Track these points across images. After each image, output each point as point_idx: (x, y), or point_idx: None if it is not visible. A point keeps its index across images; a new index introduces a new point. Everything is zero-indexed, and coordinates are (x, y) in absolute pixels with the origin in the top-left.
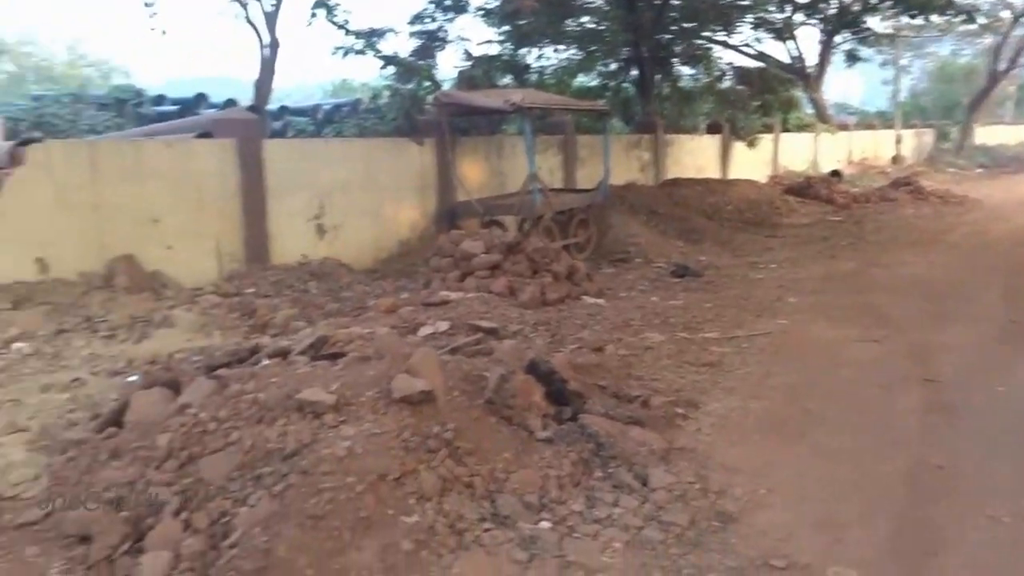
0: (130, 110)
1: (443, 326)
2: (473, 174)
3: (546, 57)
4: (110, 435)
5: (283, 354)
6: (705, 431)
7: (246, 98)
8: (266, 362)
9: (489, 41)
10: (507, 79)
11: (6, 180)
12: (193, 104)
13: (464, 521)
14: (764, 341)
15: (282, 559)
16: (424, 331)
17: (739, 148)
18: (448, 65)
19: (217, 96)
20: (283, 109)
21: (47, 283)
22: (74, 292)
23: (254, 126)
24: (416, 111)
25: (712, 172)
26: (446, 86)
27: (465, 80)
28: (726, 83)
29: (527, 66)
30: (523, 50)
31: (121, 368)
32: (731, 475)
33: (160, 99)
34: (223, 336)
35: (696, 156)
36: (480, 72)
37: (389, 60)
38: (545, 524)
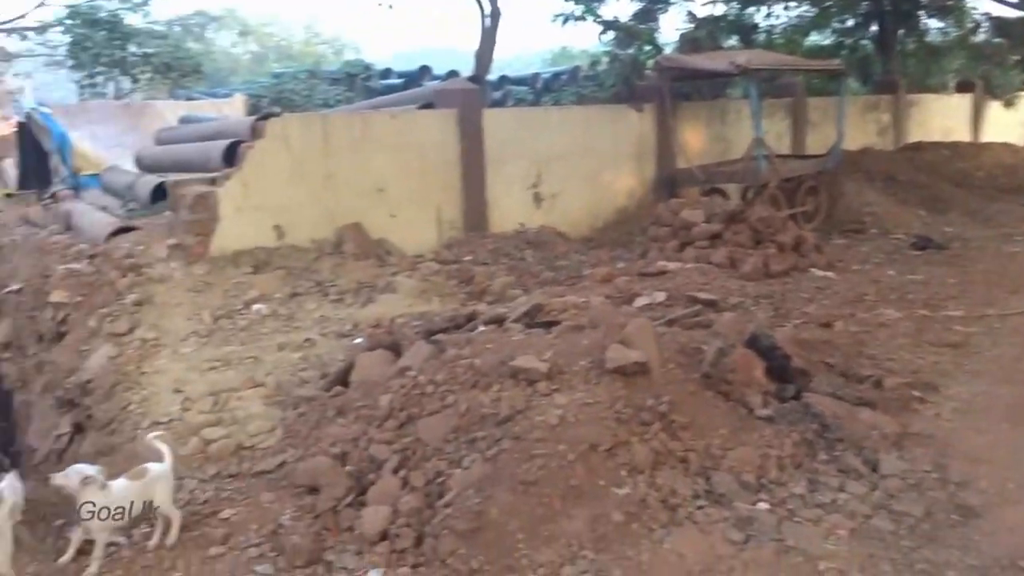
0: (359, 84)
1: (660, 297)
2: (694, 140)
3: (775, 16)
4: (337, 393)
5: (499, 321)
6: (945, 416)
7: (467, 69)
8: (482, 328)
9: (714, 1)
10: (732, 40)
11: (248, 153)
12: (417, 76)
13: (677, 496)
14: (1019, 321)
15: (494, 521)
16: (640, 302)
17: (994, 108)
18: (670, 28)
19: (440, 68)
20: (503, 79)
21: (283, 249)
22: (307, 258)
23: (474, 96)
24: (636, 77)
25: (961, 135)
26: (668, 50)
27: (688, 43)
28: (980, 36)
29: (755, 26)
30: (750, 9)
31: (348, 330)
32: (975, 466)
33: (387, 73)
34: (442, 302)
35: (943, 117)
36: (704, 34)
37: (609, 25)
38: (763, 505)
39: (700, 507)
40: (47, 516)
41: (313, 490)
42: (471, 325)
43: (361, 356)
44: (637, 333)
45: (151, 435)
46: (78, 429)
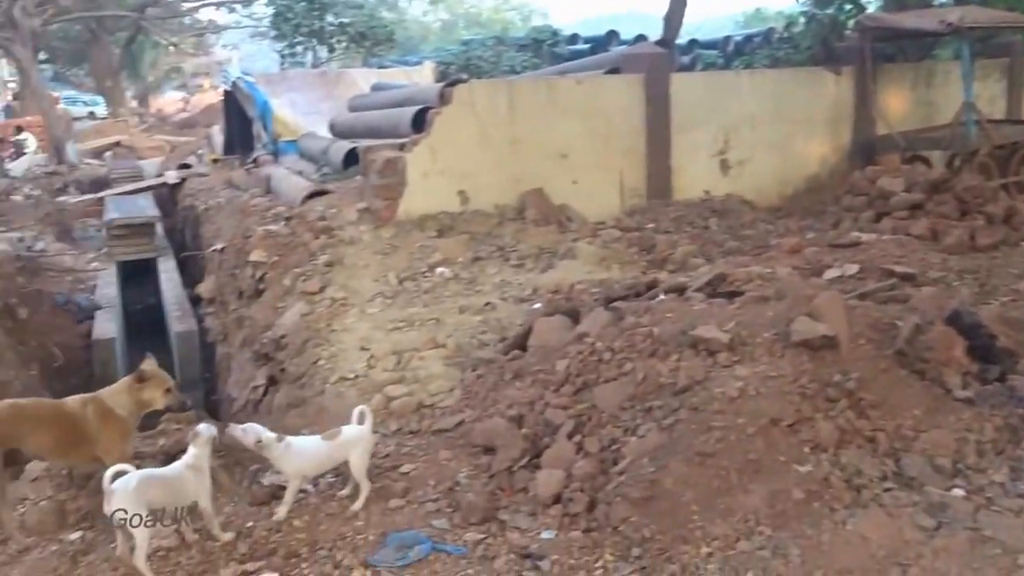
0: (546, 50)
1: (852, 269)
2: (896, 104)
3: None
4: (514, 357)
5: (680, 290)
6: None
7: (656, 33)
8: (662, 297)
9: None
10: None
11: (436, 119)
12: (604, 42)
13: (862, 477)
14: None
15: (668, 491)
16: (830, 274)
17: None
18: None
19: (628, 32)
20: (692, 43)
21: (467, 214)
22: (490, 223)
23: (662, 60)
24: (834, 38)
25: None
26: (871, 9)
27: (894, 1)
28: None
29: None
30: None
31: (527, 295)
32: None
33: (574, 38)
34: (622, 270)
35: None
36: None
37: None
38: (958, 492)
39: (887, 489)
40: (243, 461)
41: (489, 450)
42: (651, 293)
43: (539, 321)
44: (826, 306)
45: (359, 408)
46: (272, 382)
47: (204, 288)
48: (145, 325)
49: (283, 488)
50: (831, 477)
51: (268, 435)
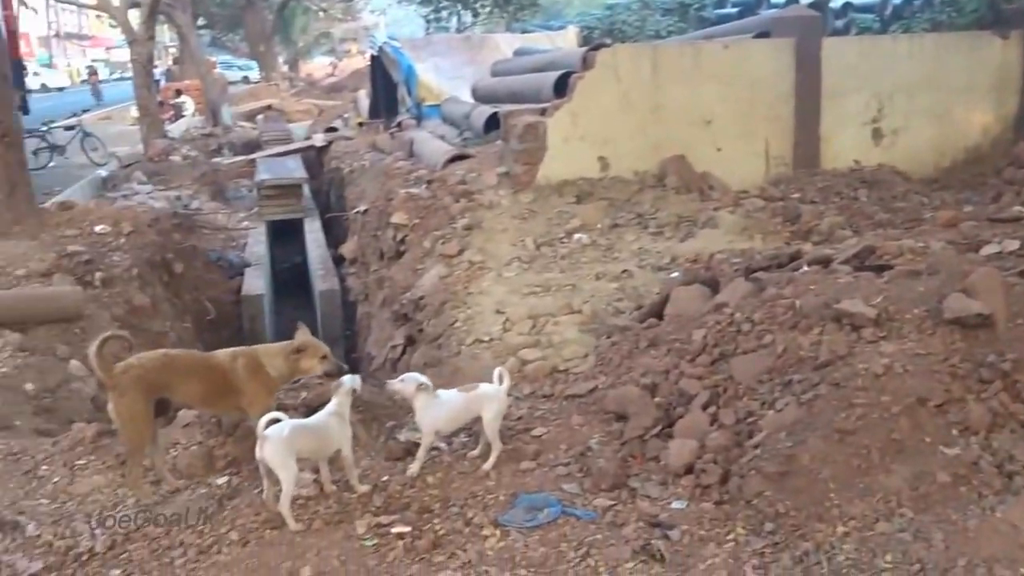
0: (692, 14)
1: (1012, 245)
2: None
3: None
4: (650, 325)
5: (824, 262)
6: None
7: None
8: (806, 269)
9: None
10: None
11: (578, 83)
12: (754, 5)
13: (1015, 463)
14: None
15: (805, 468)
16: (987, 250)
17: None
18: None
19: None
20: (847, 6)
21: (606, 180)
22: (629, 189)
23: (814, 24)
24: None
25: None
26: None
27: None
28: None
29: None
30: None
31: (665, 264)
32: None
33: (722, 2)
34: (764, 240)
35: None
36: None
37: None
38: None
39: None
40: (380, 417)
41: (621, 417)
42: (794, 265)
43: (677, 290)
44: (982, 282)
45: (498, 369)
46: (410, 341)
47: (347, 248)
48: (291, 282)
49: (418, 445)
50: (980, 461)
51: (428, 381)
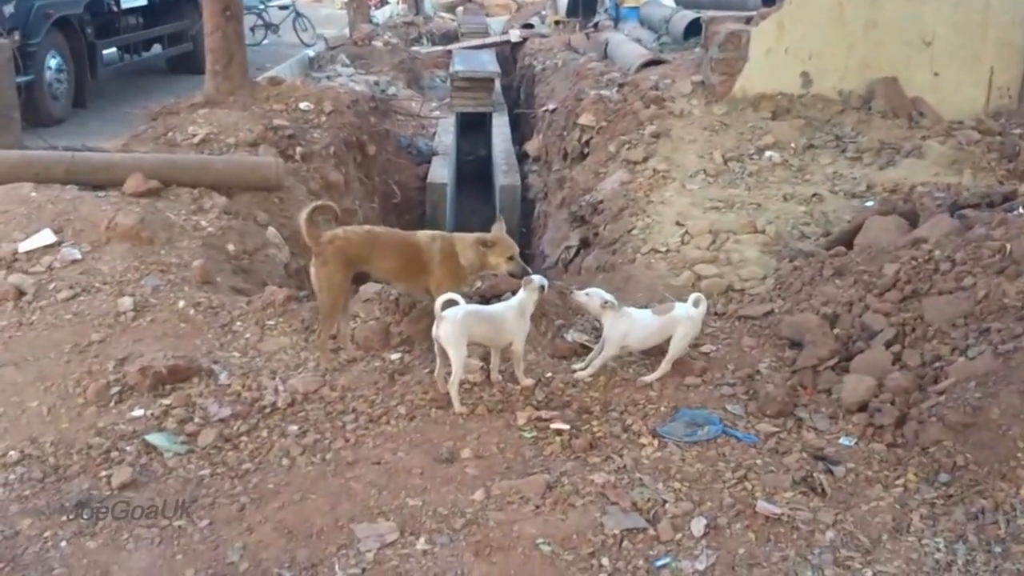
0: None
1: None
2: None
3: None
4: (837, 253)
5: None
6: None
7: None
8: (1021, 211)
9: None
10: None
11: None
12: None
13: None
14: None
15: (992, 421)
16: None
17: None
18: None
19: None
20: None
21: (807, 98)
22: (830, 109)
23: None
24: None
25: None
26: None
27: None
28: None
29: None
30: None
31: (860, 191)
32: None
33: None
34: (974, 176)
35: None
36: None
37: None
38: None
39: None
40: (549, 314)
41: (795, 345)
42: (1008, 205)
43: (871, 219)
44: None
45: (696, 295)
46: (584, 244)
47: (531, 146)
48: (474, 174)
49: (584, 347)
50: None
51: (613, 299)
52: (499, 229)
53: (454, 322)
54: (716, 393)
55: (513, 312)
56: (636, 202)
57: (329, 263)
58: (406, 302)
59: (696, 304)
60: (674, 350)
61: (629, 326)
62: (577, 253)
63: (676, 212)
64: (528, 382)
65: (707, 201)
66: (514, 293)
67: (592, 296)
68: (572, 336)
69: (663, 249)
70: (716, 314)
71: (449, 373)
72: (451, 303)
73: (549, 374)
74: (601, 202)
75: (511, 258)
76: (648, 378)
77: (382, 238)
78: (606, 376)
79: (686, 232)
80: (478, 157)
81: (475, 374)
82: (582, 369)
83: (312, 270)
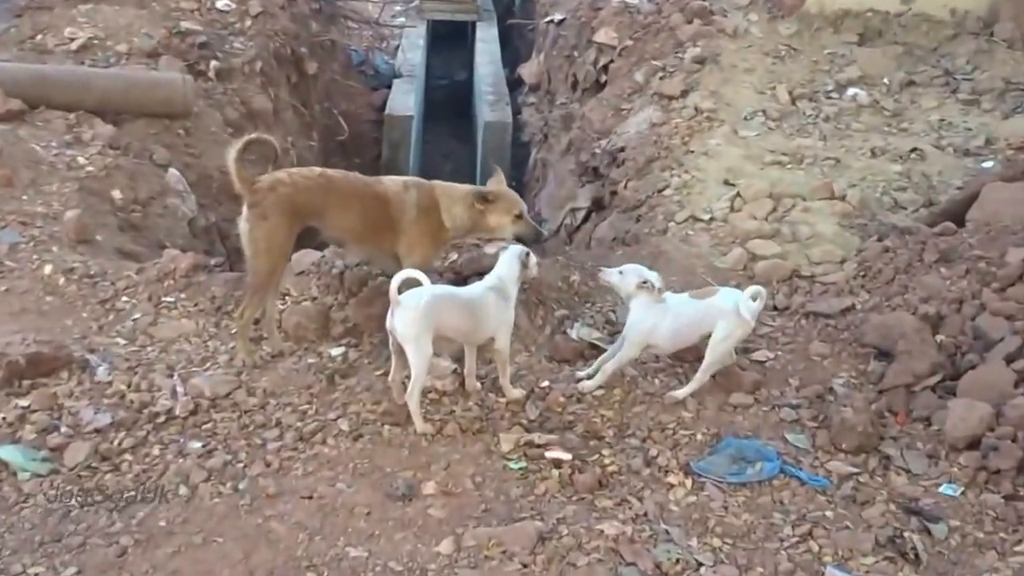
0: None
1: None
2: None
3: None
4: (944, 231)
5: None
6: None
7: None
8: None
9: None
10: None
11: None
12: None
13: None
14: None
15: None
16: None
17: None
18: None
19: None
20: None
21: (906, 17)
22: (938, 34)
23: None
24: None
25: None
26: None
27: None
28: None
29: None
30: None
31: (975, 147)
32: None
33: None
34: None
35: None
36: None
37: None
38: None
39: None
40: (547, 302)
41: (883, 355)
42: None
43: (991, 187)
44: None
45: (754, 288)
46: (598, 206)
47: (528, 70)
48: (449, 105)
49: (596, 348)
50: None
51: (654, 276)
52: (497, 180)
53: (415, 309)
54: (773, 417)
55: (494, 296)
56: (670, 152)
57: (269, 216)
58: (354, 277)
59: (754, 298)
60: (714, 354)
61: (658, 317)
62: (586, 218)
63: (725, 167)
64: (517, 394)
65: (767, 154)
66: None
67: (627, 273)
68: (578, 332)
69: (705, 217)
70: (775, 308)
71: (408, 378)
72: (412, 284)
73: (546, 383)
74: (622, 150)
75: (519, 217)
76: (679, 393)
77: (339, 185)
78: (623, 388)
79: (737, 195)
80: (455, 82)
81: (444, 380)
82: (589, 377)
83: (244, 226)
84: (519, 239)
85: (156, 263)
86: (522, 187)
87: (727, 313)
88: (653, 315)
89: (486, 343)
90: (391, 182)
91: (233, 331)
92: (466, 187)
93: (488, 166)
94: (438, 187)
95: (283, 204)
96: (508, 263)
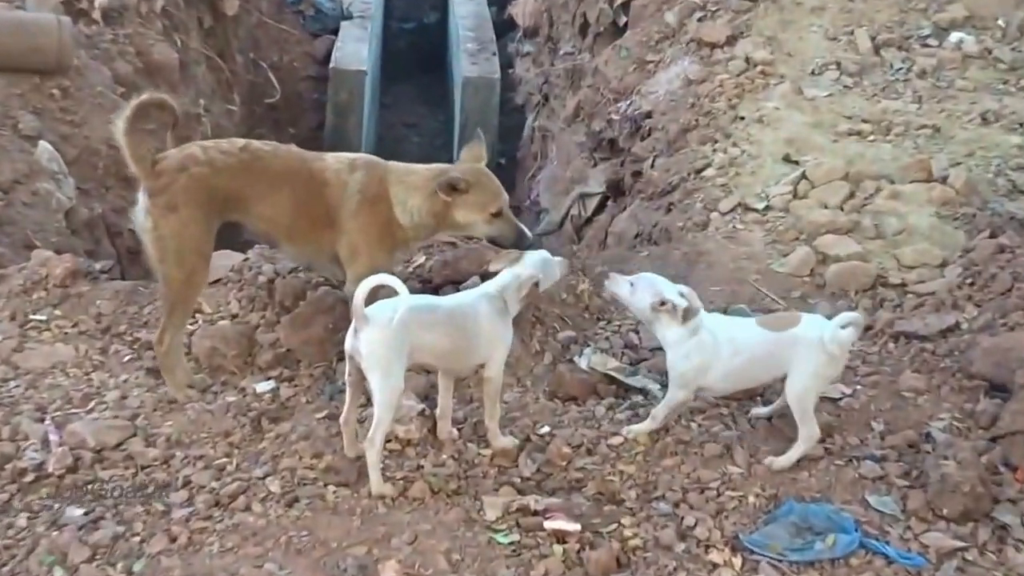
0: None
1: None
2: None
3: None
4: None
5: None
6: None
7: None
8: None
9: None
10: None
11: None
12: None
13: None
14: None
15: None
16: None
17: None
18: None
19: None
20: None
21: None
22: None
23: None
24: None
25: None
26: None
27: None
28: None
29: None
30: None
31: None
32: None
33: None
34: None
35: None
36: None
37: None
38: None
39: None
40: (546, 320)
41: (998, 389)
42: None
43: None
44: None
45: (849, 316)
46: (616, 191)
47: (522, 9)
48: (415, 56)
49: (616, 382)
50: None
51: (679, 297)
52: (475, 155)
53: (387, 326)
54: (850, 473)
55: (489, 307)
56: (713, 118)
57: (180, 207)
58: (287, 288)
59: (846, 325)
60: (799, 404)
61: (707, 349)
62: (601, 208)
63: (785, 137)
64: (507, 443)
65: (841, 120)
66: (486, 278)
67: (639, 288)
68: (589, 360)
69: (759, 206)
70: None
71: (365, 421)
72: (382, 295)
73: (545, 429)
74: (648, 116)
75: (497, 214)
76: (781, 461)
77: (268, 162)
78: (647, 435)
79: (802, 177)
80: (423, 26)
81: (409, 425)
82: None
83: (144, 221)
84: (493, 241)
85: (22, 269)
86: (514, 165)
87: (812, 347)
88: (700, 350)
89: (472, 373)
90: (334, 159)
91: (143, 366)
92: (429, 169)
93: (467, 139)
94: (392, 170)
95: (197, 190)
96: (517, 275)
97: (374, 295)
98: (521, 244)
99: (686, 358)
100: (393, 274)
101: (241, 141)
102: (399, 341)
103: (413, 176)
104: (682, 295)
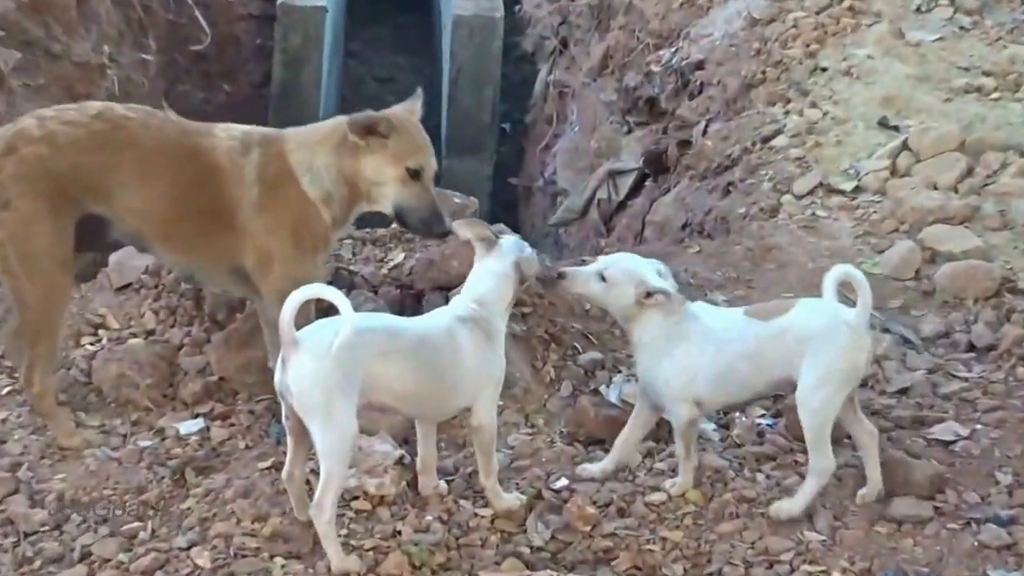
0: None
1: None
2: None
3: None
4: None
5: None
6: None
7: None
8: None
9: None
10: None
11: None
12: None
13: None
14: None
15: None
16: None
17: None
18: None
19: None
20: None
21: None
22: None
23: None
24: None
25: None
26: None
27: None
28: None
29: None
30: None
31: None
32: None
33: None
34: None
35: None
36: None
37: None
38: None
39: None
40: (564, 338)
41: None
42: None
43: None
44: None
45: (843, 268)
46: (659, 165)
47: None
48: None
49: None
50: None
51: (663, 281)
52: (411, 110)
53: (322, 356)
54: (967, 541)
55: (469, 332)
56: (785, 70)
57: (14, 201)
58: (220, 297)
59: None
60: (817, 416)
61: (698, 352)
62: (637, 189)
63: (879, 96)
64: (510, 502)
65: (956, 73)
66: None
67: (613, 276)
68: (620, 390)
69: (846, 186)
70: (972, 348)
71: (310, 476)
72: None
73: (562, 482)
74: (700, 67)
75: (415, 174)
76: (786, 509)
77: (132, 135)
78: (699, 491)
79: (904, 146)
80: None
81: (383, 479)
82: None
83: None
84: (399, 215)
85: None
86: (522, 134)
87: (817, 337)
88: (685, 349)
89: (455, 417)
90: (225, 134)
91: (26, 400)
92: (332, 121)
93: (459, 97)
94: (289, 137)
95: (33, 177)
96: (493, 272)
97: (306, 315)
98: (432, 228)
99: (672, 364)
100: (330, 284)
101: (97, 105)
102: (342, 373)
103: (317, 132)
104: (660, 274)
